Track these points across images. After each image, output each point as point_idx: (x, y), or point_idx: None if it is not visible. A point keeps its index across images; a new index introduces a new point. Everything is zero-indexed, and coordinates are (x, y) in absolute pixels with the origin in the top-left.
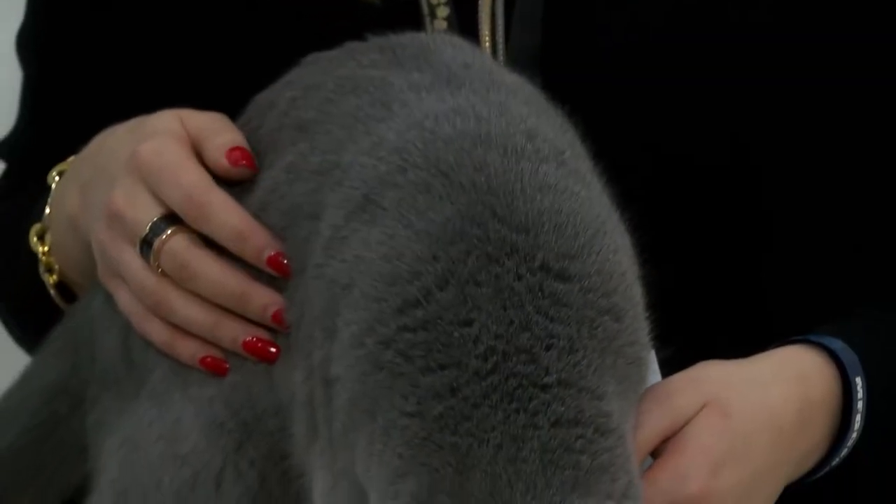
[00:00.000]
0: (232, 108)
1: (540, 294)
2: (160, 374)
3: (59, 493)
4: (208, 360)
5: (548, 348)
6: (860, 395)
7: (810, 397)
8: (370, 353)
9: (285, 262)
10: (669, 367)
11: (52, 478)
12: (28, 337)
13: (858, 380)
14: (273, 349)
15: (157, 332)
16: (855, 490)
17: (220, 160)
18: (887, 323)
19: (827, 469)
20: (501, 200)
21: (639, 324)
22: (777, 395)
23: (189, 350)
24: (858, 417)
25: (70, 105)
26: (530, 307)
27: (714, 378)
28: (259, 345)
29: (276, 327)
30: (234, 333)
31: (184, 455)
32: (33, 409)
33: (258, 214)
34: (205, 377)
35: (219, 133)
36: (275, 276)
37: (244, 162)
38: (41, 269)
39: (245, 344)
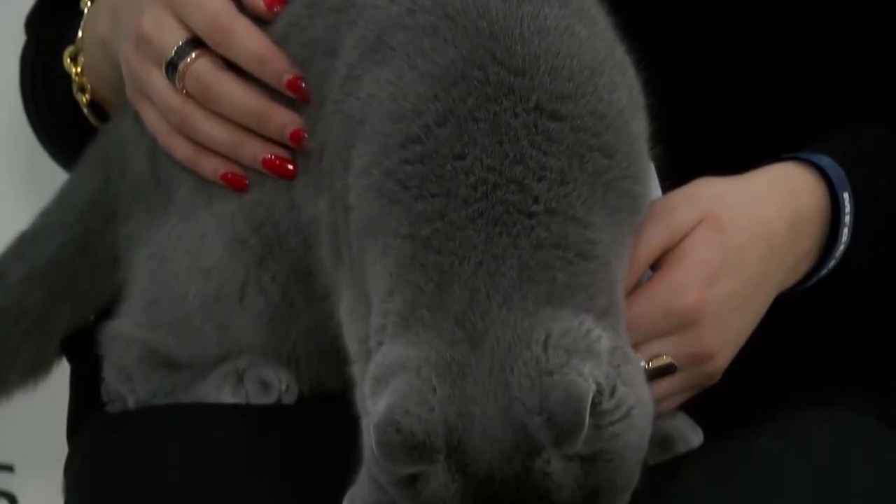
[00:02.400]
0: None
1: (534, 130)
2: (185, 190)
3: (96, 303)
4: (229, 175)
5: (539, 180)
6: (847, 209)
7: (801, 212)
8: (375, 183)
9: (304, 85)
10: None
11: (89, 289)
12: (66, 158)
13: (846, 195)
14: (290, 166)
15: (181, 148)
16: (840, 298)
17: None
18: (873, 139)
19: (815, 279)
20: (501, 44)
21: (633, 159)
22: (769, 209)
23: (211, 165)
24: (845, 231)
25: None
26: (525, 142)
27: (710, 194)
28: (278, 162)
29: (294, 147)
30: (255, 151)
31: (208, 269)
32: (69, 224)
33: (279, 43)
34: (226, 194)
35: None
36: (294, 100)
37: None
38: (75, 88)
39: (265, 161)
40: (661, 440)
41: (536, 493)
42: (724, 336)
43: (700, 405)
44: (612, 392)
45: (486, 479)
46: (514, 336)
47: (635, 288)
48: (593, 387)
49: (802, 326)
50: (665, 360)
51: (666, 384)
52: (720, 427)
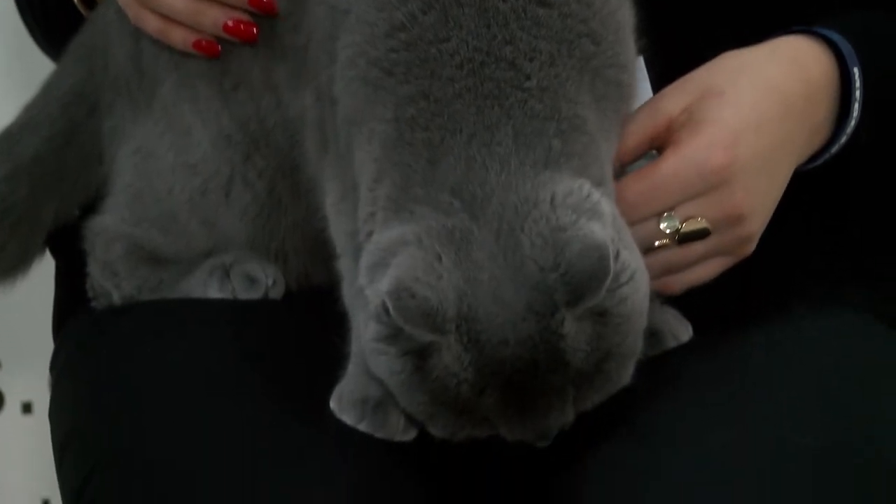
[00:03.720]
0: None
1: (523, 15)
2: (169, 85)
3: (81, 197)
4: (202, 43)
5: (531, 60)
6: (857, 84)
7: (810, 77)
8: (361, 73)
9: None
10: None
11: (74, 183)
12: (58, 53)
13: (856, 70)
14: (254, 29)
15: (150, 22)
16: (840, 190)
17: None
18: (877, 20)
19: (827, 156)
20: None
21: (620, 48)
22: (775, 73)
23: (181, 36)
24: (856, 105)
25: None
26: (514, 25)
27: (697, 74)
28: (241, 27)
29: (255, 10)
30: (216, 17)
31: (194, 164)
32: (53, 117)
33: None
34: (211, 93)
35: None
36: None
37: None
38: None
39: (226, 27)
40: (650, 335)
41: (551, 356)
42: (755, 197)
43: (692, 301)
44: (617, 255)
45: (498, 345)
46: (518, 198)
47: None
48: (608, 241)
49: (799, 220)
50: (699, 222)
51: (700, 247)
52: (713, 324)
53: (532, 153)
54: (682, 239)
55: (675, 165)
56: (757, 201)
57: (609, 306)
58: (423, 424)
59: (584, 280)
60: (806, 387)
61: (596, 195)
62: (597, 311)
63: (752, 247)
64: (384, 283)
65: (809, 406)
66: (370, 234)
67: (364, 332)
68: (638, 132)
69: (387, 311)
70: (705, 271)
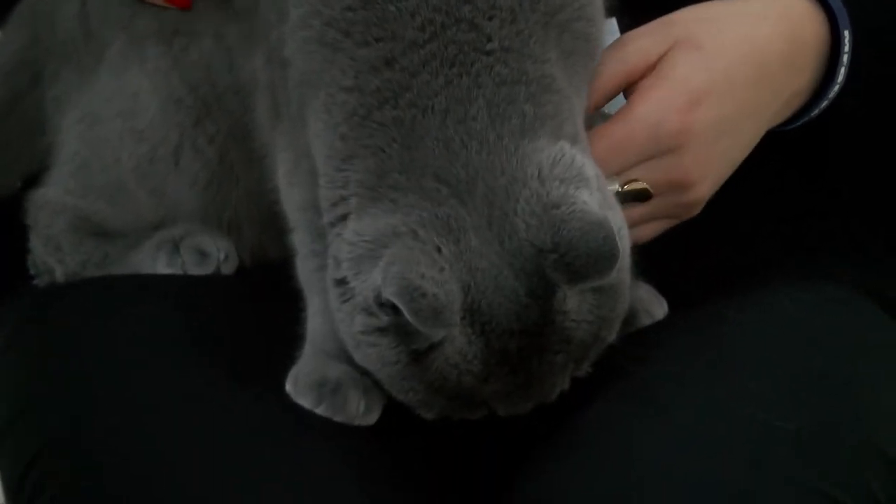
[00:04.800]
0: None
1: None
2: (118, 46)
3: (23, 170)
4: None
5: (490, 18)
6: (846, 48)
7: (797, 36)
8: (315, 34)
9: None
10: None
11: (17, 154)
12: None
13: (846, 32)
14: None
15: None
16: (822, 154)
17: None
18: None
19: (806, 119)
20: None
21: (586, 1)
22: (760, 28)
23: None
24: (842, 70)
25: None
26: None
27: (685, 17)
28: None
29: None
30: None
31: (141, 130)
32: None
33: None
34: (161, 51)
35: None
36: None
37: None
38: None
39: None
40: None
41: (558, 336)
42: (708, 165)
43: (669, 277)
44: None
45: (503, 335)
46: (504, 179)
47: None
48: (602, 213)
49: (778, 188)
50: (640, 185)
51: (639, 210)
52: (690, 299)
53: (507, 123)
54: (621, 199)
55: (625, 127)
56: (709, 169)
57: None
58: (412, 408)
59: (590, 262)
60: (786, 365)
61: (579, 157)
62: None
63: (696, 211)
64: (386, 281)
65: (789, 387)
66: (342, 217)
67: (348, 324)
68: (613, 72)
69: (380, 304)
70: (643, 232)
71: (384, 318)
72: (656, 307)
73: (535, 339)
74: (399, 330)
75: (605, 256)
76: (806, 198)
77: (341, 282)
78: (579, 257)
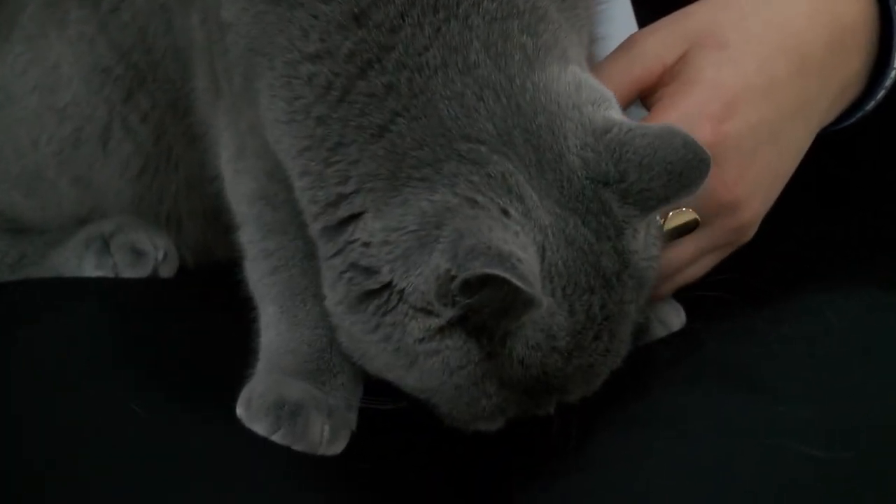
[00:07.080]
0: None
1: None
2: (32, 9)
3: None
4: None
5: None
6: None
7: (841, 19)
8: None
9: None
10: None
11: None
12: None
13: None
14: None
15: None
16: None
17: None
18: None
19: (861, 114)
20: None
21: None
22: (796, 12)
23: None
24: None
25: None
26: None
27: (699, 12)
28: None
29: None
30: None
31: (62, 108)
32: None
33: None
34: (85, 14)
35: None
36: None
37: None
38: None
39: None
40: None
41: (634, 281)
42: (753, 177)
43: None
44: None
45: (584, 293)
46: (543, 118)
47: None
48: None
49: (825, 189)
50: (684, 213)
51: (690, 244)
52: (714, 309)
53: (511, 61)
54: (668, 237)
55: None
56: (757, 181)
57: None
58: (477, 423)
59: (673, 178)
60: (825, 386)
61: (591, 79)
62: None
63: (750, 233)
64: (462, 258)
65: (822, 412)
66: (349, 220)
67: (398, 338)
68: (624, 77)
69: (443, 296)
70: (696, 271)
71: (447, 313)
72: (673, 317)
73: (614, 290)
74: (467, 323)
75: (691, 164)
76: (840, 194)
77: (378, 292)
78: (657, 176)
